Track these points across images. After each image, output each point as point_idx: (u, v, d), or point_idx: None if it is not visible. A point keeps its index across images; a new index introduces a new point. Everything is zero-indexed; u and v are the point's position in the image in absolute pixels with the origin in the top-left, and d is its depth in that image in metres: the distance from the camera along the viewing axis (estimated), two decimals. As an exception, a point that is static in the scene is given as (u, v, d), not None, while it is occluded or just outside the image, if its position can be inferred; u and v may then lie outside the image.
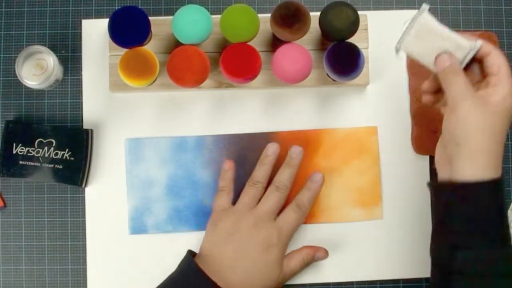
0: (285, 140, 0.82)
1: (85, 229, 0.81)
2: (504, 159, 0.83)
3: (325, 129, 0.82)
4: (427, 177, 0.82)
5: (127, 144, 0.82)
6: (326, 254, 0.79)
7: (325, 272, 0.81)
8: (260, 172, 0.78)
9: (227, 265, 0.75)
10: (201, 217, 0.81)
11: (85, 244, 0.81)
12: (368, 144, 0.82)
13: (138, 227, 0.81)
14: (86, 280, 0.81)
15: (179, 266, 0.76)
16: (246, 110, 0.83)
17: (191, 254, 0.76)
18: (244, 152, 0.82)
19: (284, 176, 0.78)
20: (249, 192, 0.78)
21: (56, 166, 0.79)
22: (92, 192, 0.81)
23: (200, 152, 0.82)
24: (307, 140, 0.82)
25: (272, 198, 0.77)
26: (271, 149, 0.79)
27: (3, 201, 0.81)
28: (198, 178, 0.82)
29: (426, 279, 0.82)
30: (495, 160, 0.64)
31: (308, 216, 0.81)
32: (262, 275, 0.75)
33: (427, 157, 0.83)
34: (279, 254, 0.76)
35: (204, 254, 0.76)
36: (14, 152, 0.79)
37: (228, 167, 0.79)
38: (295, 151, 0.79)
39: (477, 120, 0.63)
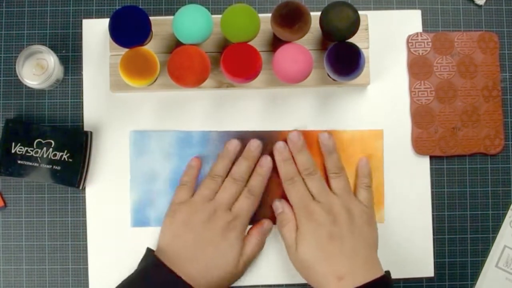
0: (289, 139, 0.82)
1: (85, 229, 0.81)
2: (505, 159, 0.84)
3: (331, 130, 0.82)
4: (427, 177, 0.82)
5: (132, 136, 0.82)
6: (270, 222, 0.81)
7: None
8: (220, 166, 0.79)
9: (187, 256, 0.75)
10: (202, 215, 0.82)
11: (86, 244, 0.81)
12: (373, 148, 0.82)
13: (140, 220, 0.81)
14: (87, 280, 0.81)
15: (140, 262, 0.77)
16: (246, 110, 0.83)
17: (150, 250, 0.76)
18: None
19: (242, 168, 0.79)
20: (208, 185, 0.79)
21: (54, 167, 0.79)
22: (93, 192, 0.81)
23: (205, 147, 0.82)
24: (312, 141, 0.82)
25: (229, 190, 0.78)
26: (232, 145, 0.80)
27: (4, 201, 0.81)
28: (201, 173, 0.82)
29: (426, 279, 0.82)
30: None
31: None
32: (222, 261, 0.76)
33: (427, 157, 0.83)
34: (237, 240, 0.77)
35: (163, 246, 0.77)
36: (13, 151, 0.79)
37: (195, 164, 0.80)
38: (254, 145, 0.80)
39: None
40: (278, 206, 0.80)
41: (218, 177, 0.79)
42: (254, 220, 0.81)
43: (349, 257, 0.74)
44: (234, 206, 0.78)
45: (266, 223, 0.80)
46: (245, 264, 0.79)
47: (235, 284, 0.81)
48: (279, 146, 0.80)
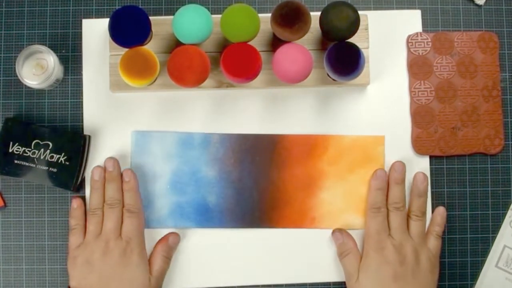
0: (292, 143, 0.82)
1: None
2: (504, 159, 0.84)
3: (332, 135, 0.82)
4: (427, 177, 0.82)
5: (133, 137, 0.82)
6: (177, 235, 0.80)
7: (326, 272, 0.81)
8: (94, 198, 0.79)
9: None
10: (202, 215, 0.81)
11: (86, 244, 0.81)
12: (375, 153, 0.82)
13: (138, 221, 0.81)
14: (86, 280, 0.81)
15: None
16: (246, 110, 0.83)
17: None
18: (249, 152, 0.82)
19: (110, 191, 0.78)
20: (92, 221, 0.78)
21: (50, 169, 0.79)
22: (93, 192, 0.81)
23: (206, 150, 0.82)
24: (313, 145, 0.82)
25: (110, 217, 0.78)
26: (96, 174, 0.79)
27: (4, 200, 0.81)
28: (202, 175, 0.82)
29: (426, 279, 0.82)
30: None
31: (309, 221, 0.82)
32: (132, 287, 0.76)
33: (427, 157, 0.83)
34: (140, 261, 0.77)
35: None
36: (10, 150, 0.79)
37: (77, 205, 0.79)
38: (109, 165, 0.79)
39: None
40: (339, 236, 0.80)
41: (97, 209, 0.78)
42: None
43: None
44: (122, 231, 0.78)
45: (171, 238, 0.80)
46: (157, 282, 0.78)
47: (235, 284, 0.81)
48: (379, 173, 0.80)
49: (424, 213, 0.80)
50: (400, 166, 0.80)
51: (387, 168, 0.82)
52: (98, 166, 0.79)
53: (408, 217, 0.80)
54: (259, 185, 0.82)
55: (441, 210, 0.81)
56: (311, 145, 0.82)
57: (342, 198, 0.82)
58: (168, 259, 0.80)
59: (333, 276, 0.81)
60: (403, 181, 0.80)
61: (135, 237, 0.78)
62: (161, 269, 0.79)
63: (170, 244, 0.80)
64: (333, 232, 0.81)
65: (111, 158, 0.79)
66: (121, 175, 0.79)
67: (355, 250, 0.79)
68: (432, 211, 0.82)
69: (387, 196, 0.80)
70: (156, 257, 0.79)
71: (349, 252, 0.79)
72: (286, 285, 0.82)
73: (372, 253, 0.77)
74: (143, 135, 0.82)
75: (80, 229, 0.78)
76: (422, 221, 0.79)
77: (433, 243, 0.79)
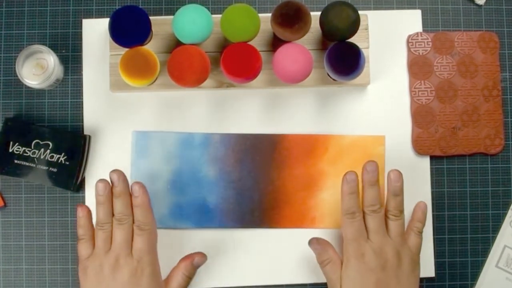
0: (292, 143, 0.82)
1: (85, 229, 0.81)
2: (505, 159, 0.84)
3: (332, 135, 0.82)
4: (427, 177, 0.82)
5: (134, 137, 0.82)
6: (203, 256, 0.78)
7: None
8: (101, 213, 0.75)
9: None
10: (202, 215, 0.81)
11: (86, 244, 0.81)
12: (375, 153, 0.82)
13: (138, 222, 0.81)
14: (86, 280, 0.81)
15: None
16: (246, 109, 0.83)
17: None
18: (249, 152, 0.82)
19: (118, 207, 0.75)
20: (100, 236, 0.75)
21: (50, 169, 0.79)
22: (93, 192, 0.81)
23: (207, 150, 0.82)
24: (313, 145, 0.82)
25: (120, 233, 0.74)
26: (101, 189, 0.75)
27: (4, 200, 0.81)
28: (202, 175, 0.82)
29: (427, 279, 0.82)
30: None
31: (309, 221, 0.82)
32: None
33: (427, 157, 0.83)
34: (152, 281, 0.74)
35: None
36: (10, 150, 0.79)
37: (83, 214, 0.75)
38: (114, 178, 0.75)
39: None
40: (316, 246, 0.78)
41: (105, 224, 0.74)
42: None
43: None
44: (133, 249, 0.75)
45: (196, 259, 0.78)
46: None
47: (235, 284, 0.81)
48: (349, 177, 0.76)
49: (402, 212, 0.77)
50: (372, 166, 0.76)
51: (387, 168, 0.82)
52: (102, 180, 0.75)
53: (385, 217, 0.77)
54: (259, 185, 0.82)
55: (422, 206, 0.79)
56: (311, 145, 0.82)
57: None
58: (189, 278, 0.78)
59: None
60: (376, 181, 0.77)
61: (146, 255, 0.75)
62: (180, 287, 0.77)
63: (195, 264, 0.78)
64: (310, 241, 0.78)
65: (115, 171, 0.75)
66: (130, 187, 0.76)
67: (335, 258, 0.77)
68: (433, 211, 0.82)
69: (362, 199, 0.77)
70: (176, 274, 0.77)
71: (329, 261, 0.77)
72: (286, 285, 0.82)
73: (352, 261, 0.75)
74: (143, 135, 0.82)
75: (89, 239, 0.75)
76: (401, 220, 0.77)
77: (414, 240, 0.77)
